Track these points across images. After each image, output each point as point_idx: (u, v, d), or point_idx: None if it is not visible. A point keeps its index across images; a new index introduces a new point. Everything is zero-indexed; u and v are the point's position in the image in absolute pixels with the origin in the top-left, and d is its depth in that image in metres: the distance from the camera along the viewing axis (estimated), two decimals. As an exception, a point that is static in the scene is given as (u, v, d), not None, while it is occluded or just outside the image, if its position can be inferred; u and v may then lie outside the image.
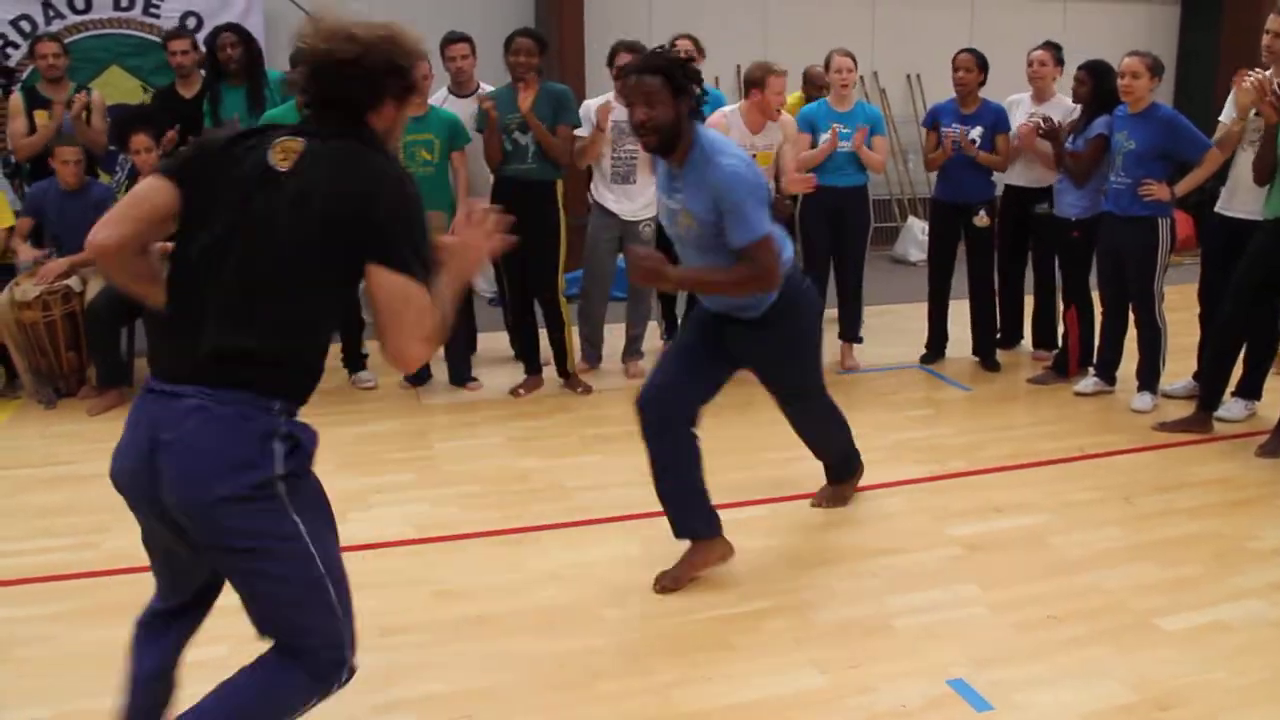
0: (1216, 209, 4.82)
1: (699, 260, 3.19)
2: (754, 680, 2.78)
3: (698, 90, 3.02)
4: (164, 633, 2.18)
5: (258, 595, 1.95)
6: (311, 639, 1.96)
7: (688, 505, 3.30)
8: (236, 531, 1.86)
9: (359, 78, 1.97)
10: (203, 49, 5.77)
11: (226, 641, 2.34)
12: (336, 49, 1.96)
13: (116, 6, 6.98)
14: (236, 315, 1.88)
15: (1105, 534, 3.68)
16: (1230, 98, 4.79)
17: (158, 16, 7.00)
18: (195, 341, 1.88)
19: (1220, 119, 4.82)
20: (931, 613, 3.13)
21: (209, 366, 1.87)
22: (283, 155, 1.93)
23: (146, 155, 5.01)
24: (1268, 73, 4.46)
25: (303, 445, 1.95)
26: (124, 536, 3.46)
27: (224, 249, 1.90)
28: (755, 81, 5.00)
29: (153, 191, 1.99)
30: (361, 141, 1.98)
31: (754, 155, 5.11)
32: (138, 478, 1.90)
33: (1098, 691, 2.72)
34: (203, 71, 5.75)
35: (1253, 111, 4.52)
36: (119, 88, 6.79)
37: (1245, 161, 4.58)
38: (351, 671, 2.02)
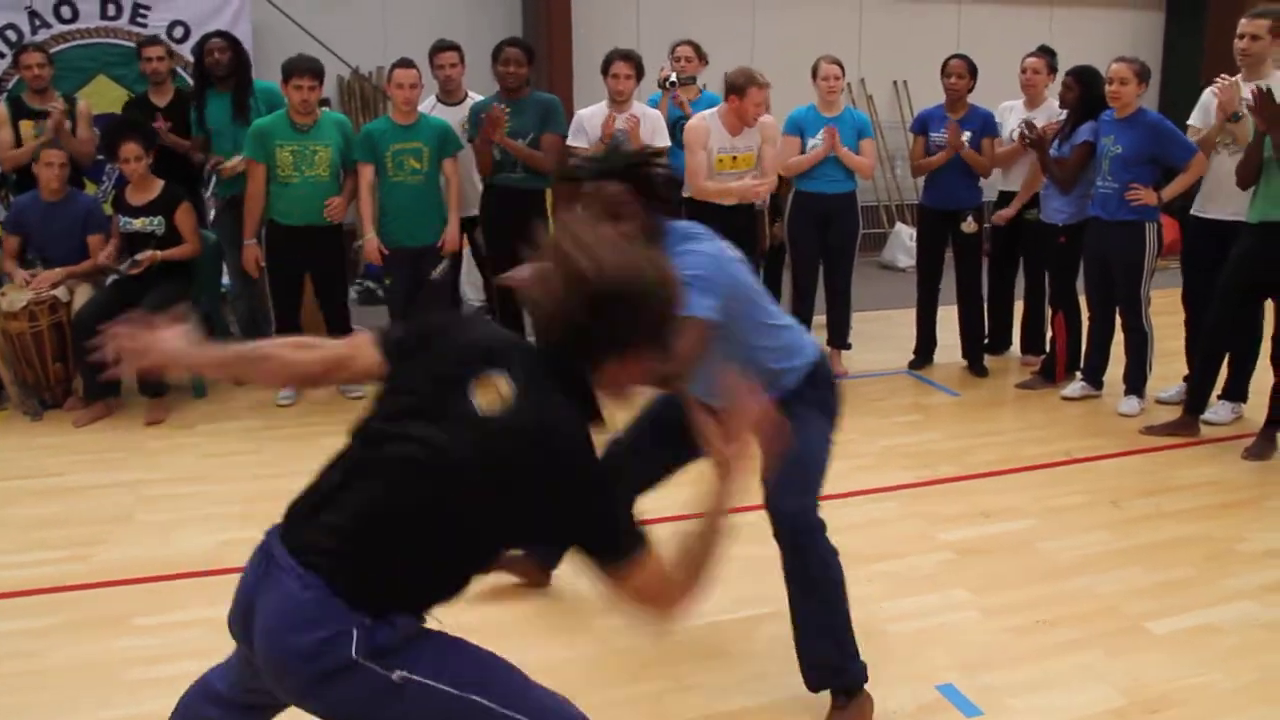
0: (1192, 212, 4.83)
1: None
2: (746, 687, 2.78)
3: None
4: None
5: None
6: None
7: None
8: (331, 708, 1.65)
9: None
10: (186, 55, 5.76)
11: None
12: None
13: (104, 16, 6.96)
14: None
15: (1094, 538, 3.69)
16: (1199, 103, 4.82)
17: (145, 26, 6.97)
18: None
19: (1190, 123, 4.85)
20: (922, 618, 3.13)
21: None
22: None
23: (135, 164, 4.97)
24: (1239, 76, 4.51)
25: (399, 628, 1.73)
26: (113, 550, 3.45)
27: None
28: (736, 89, 4.99)
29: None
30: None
31: (734, 158, 5.14)
32: (236, 626, 1.76)
33: (1088, 696, 2.73)
34: (182, 73, 5.73)
35: (1232, 116, 4.53)
36: (106, 97, 6.75)
37: (1220, 164, 4.61)
38: None
